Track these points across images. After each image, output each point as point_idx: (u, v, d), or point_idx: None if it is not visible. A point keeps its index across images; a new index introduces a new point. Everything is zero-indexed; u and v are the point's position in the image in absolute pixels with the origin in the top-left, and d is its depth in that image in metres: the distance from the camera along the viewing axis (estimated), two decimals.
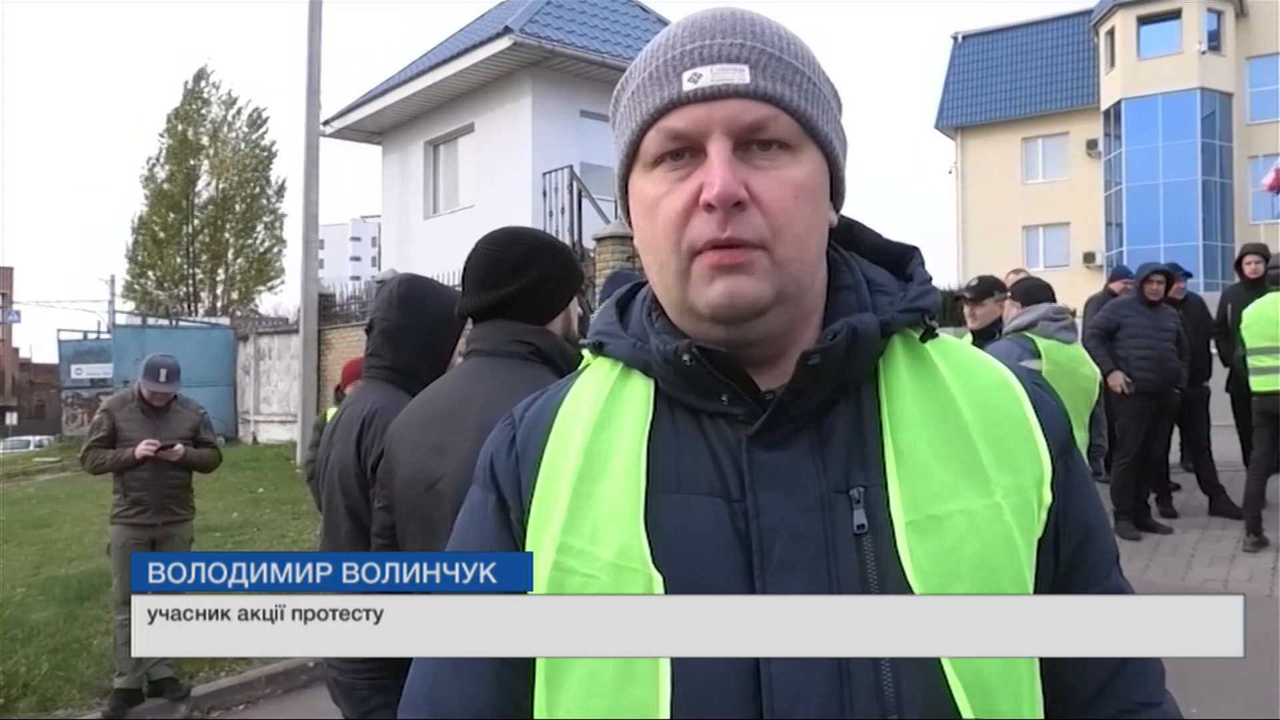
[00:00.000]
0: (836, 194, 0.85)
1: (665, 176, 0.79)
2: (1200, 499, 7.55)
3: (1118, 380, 6.61)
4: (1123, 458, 6.81)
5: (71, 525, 9.50)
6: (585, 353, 0.93)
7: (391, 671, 2.17)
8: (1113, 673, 0.80)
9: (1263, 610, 5.13)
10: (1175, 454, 7.91)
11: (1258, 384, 6.38)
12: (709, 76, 0.77)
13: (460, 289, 1.79)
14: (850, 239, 0.91)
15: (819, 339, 0.79)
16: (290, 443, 15.30)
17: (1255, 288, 6.87)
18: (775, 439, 0.78)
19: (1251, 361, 6.42)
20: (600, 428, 0.83)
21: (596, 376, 0.88)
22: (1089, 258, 28.68)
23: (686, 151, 0.78)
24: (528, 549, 0.81)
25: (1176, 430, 7.63)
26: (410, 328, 2.29)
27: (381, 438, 2.15)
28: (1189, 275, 7.89)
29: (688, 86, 0.77)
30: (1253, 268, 7.17)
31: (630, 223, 0.87)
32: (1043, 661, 0.76)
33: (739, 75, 0.76)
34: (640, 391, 0.84)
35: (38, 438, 21.14)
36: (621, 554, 0.76)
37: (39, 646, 5.47)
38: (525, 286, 1.71)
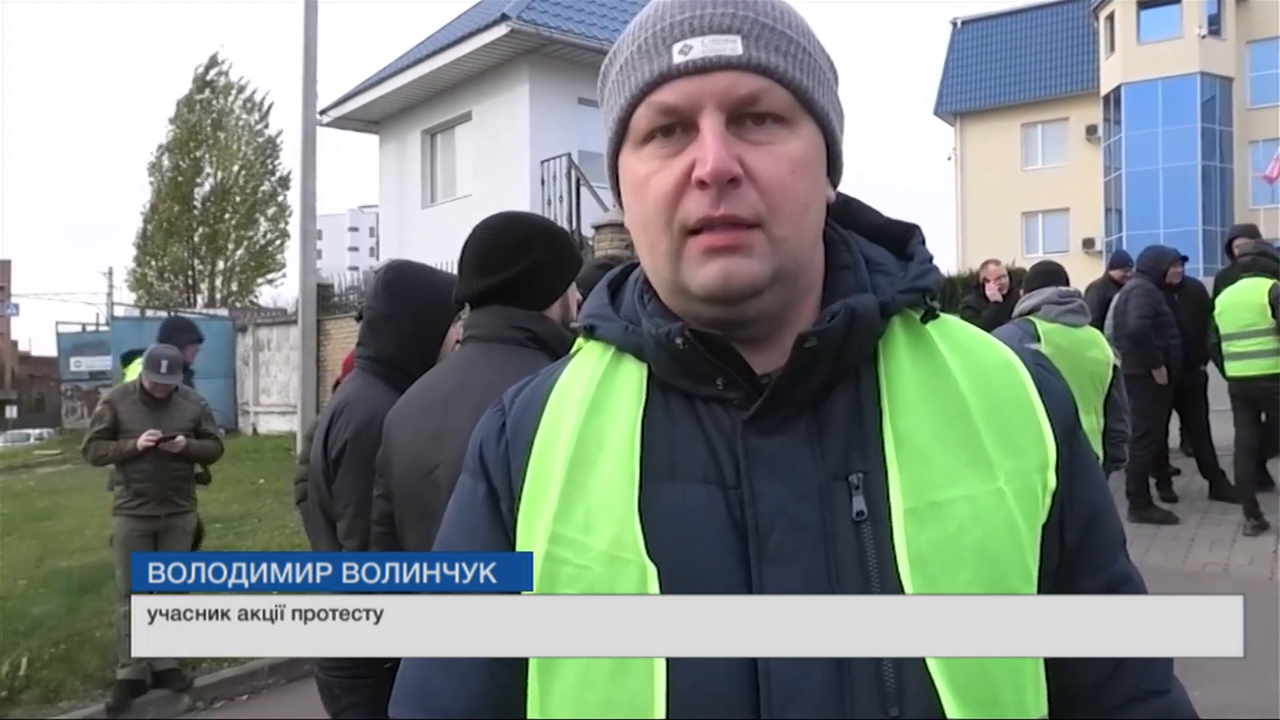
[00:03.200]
0: (834, 169, 0.83)
1: (656, 153, 0.76)
2: (1200, 483, 7.56)
3: (1163, 375, 6.69)
4: (1144, 444, 6.82)
5: (73, 518, 9.50)
6: (578, 337, 0.91)
7: (364, 671, 2.17)
8: (1120, 660, 0.79)
9: (1265, 595, 5.13)
10: (1175, 439, 7.92)
11: (1234, 369, 6.44)
12: (700, 48, 0.74)
13: (457, 275, 1.77)
14: (849, 217, 0.89)
15: (816, 321, 0.77)
16: (290, 434, 15.28)
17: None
18: (771, 424, 0.76)
19: (1226, 347, 6.47)
20: (592, 414, 0.81)
21: (588, 361, 0.86)
22: (1089, 243, 28.62)
23: (678, 127, 0.75)
24: (518, 538, 0.80)
25: (1176, 415, 7.64)
26: (393, 316, 2.23)
27: (345, 432, 2.14)
28: (1185, 259, 7.87)
29: (678, 59, 0.74)
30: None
31: (621, 203, 0.84)
32: None
33: (731, 46, 0.74)
34: (633, 376, 0.82)
35: (37, 431, 21.11)
36: (615, 544, 0.74)
37: (41, 639, 5.48)
38: (522, 272, 1.70)
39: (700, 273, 0.75)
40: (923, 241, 0.87)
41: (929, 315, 0.82)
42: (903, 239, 0.87)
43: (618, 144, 0.81)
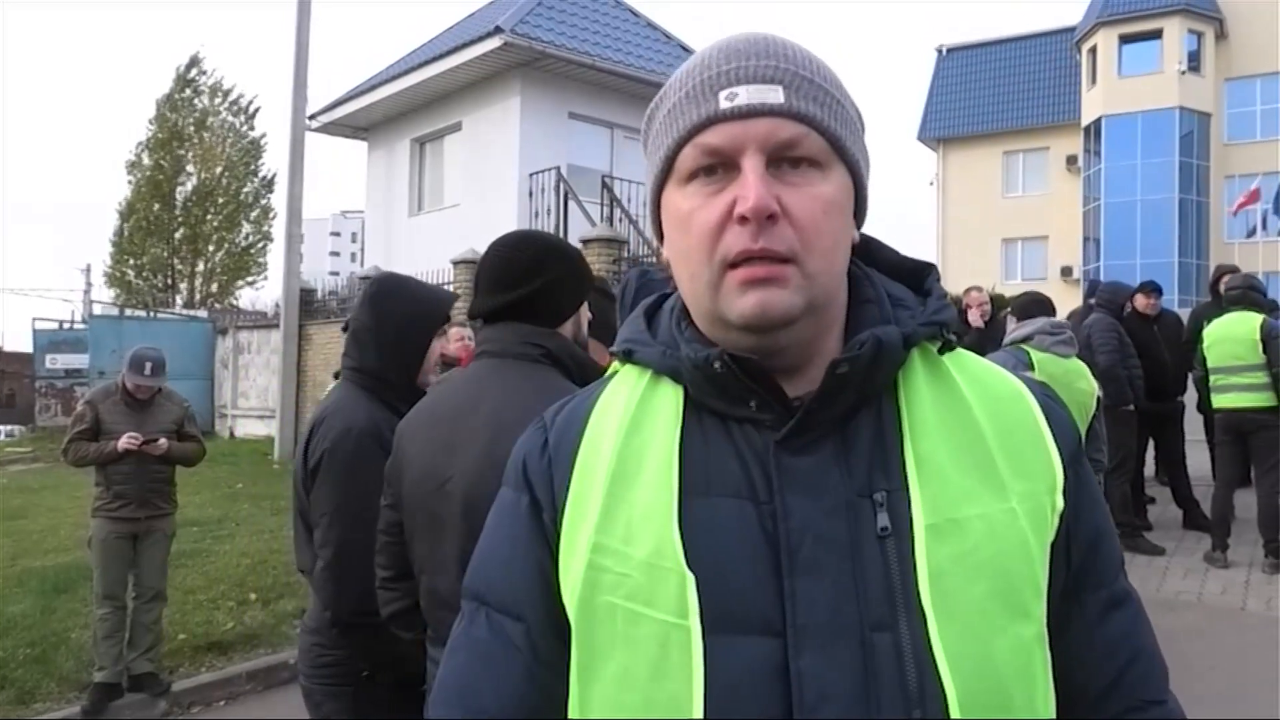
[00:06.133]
0: (859, 211, 0.88)
1: (699, 191, 0.81)
2: (1175, 512, 7.67)
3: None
4: (1121, 473, 6.93)
5: (46, 517, 9.38)
6: (614, 360, 0.95)
7: (344, 680, 2.21)
8: (1121, 671, 0.84)
9: (1235, 623, 5.24)
10: (1150, 468, 8.03)
11: (1222, 401, 6.47)
12: (745, 95, 0.80)
13: (473, 290, 1.81)
14: (869, 255, 0.94)
15: (846, 349, 0.82)
16: (268, 438, 15.19)
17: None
18: (802, 444, 0.80)
19: (1216, 380, 6.50)
20: (632, 432, 0.85)
21: (626, 383, 0.90)
22: (1067, 271, 29.02)
23: (720, 167, 0.80)
24: (561, 548, 0.84)
25: (1151, 444, 7.75)
26: (375, 329, 2.26)
27: (323, 444, 2.18)
28: (1160, 291, 7.97)
29: (724, 104, 0.80)
30: None
31: (660, 236, 0.89)
32: (1054, 659, 0.80)
33: (774, 95, 0.80)
34: (670, 398, 0.86)
35: (8, 427, 20.78)
36: (656, 553, 0.78)
37: (16, 639, 5.40)
38: (537, 289, 1.73)
39: (739, 303, 0.79)
40: (938, 279, 0.93)
41: (945, 347, 0.87)
42: (919, 275, 0.93)
43: (662, 181, 0.86)
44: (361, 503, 2.09)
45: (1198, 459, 7.81)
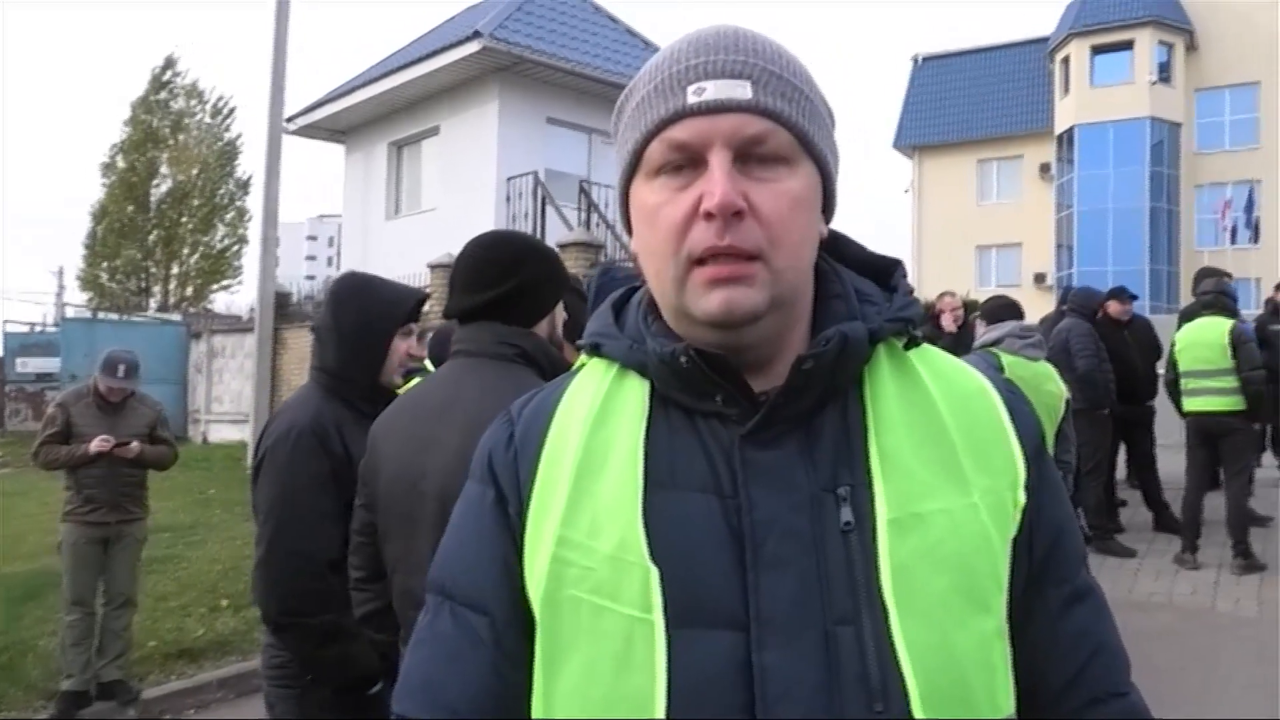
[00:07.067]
0: (828, 206, 0.88)
1: (666, 185, 0.81)
2: (1145, 515, 7.75)
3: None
4: (1095, 476, 7.01)
5: (15, 523, 9.21)
6: (581, 354, 0.95)
7: (290, 683, 2.22)
8: (1083, 664, 0.85)
9: (1204, 624, 5.30)
10: (1121, 470, 8.12)
11: (1193, 405, 6.57)
12: (713, 90, 0.79)
13: (449, 290, 1.80)
14: (837, 250, 0.94)
15: (812, 344, 0.82)
16: (241, 443, 15.03)
17: None
18: (767, 439, 0.81)
19: (1186, 384, 6.60)
20: (598, 426, 0.85)
21: (593, 376, 0.90)
22: (1040, 278, 29.34)
23: (688, 162, 0.80)
24: (526, 542, 0.84)
25: (1122, 447, 7.83)
26: (334, 328, 2.26)
27: (266, 441, 2.19)
28: (1134, 297, 8.07)
29: (692, 99, 0.79)
30: None
31: (630, 230, 0.89)
32: (1016, 653, 0.80)
33: (741, 90, 0.79)
34: (636, 391, 0.86)
35: None
36: (620, 546, 0.78)
37: None
38: (512, 289, 1.73)
39: (704, 301, 0.79)
40: (905, 275, 0.93)
41: (911, 343, 0.88)
42: (887, 272, 0.93)
43: (630, 174, 0.86)
44: (296, 500, 2.10)
45: (1169, 463, 7.91)
